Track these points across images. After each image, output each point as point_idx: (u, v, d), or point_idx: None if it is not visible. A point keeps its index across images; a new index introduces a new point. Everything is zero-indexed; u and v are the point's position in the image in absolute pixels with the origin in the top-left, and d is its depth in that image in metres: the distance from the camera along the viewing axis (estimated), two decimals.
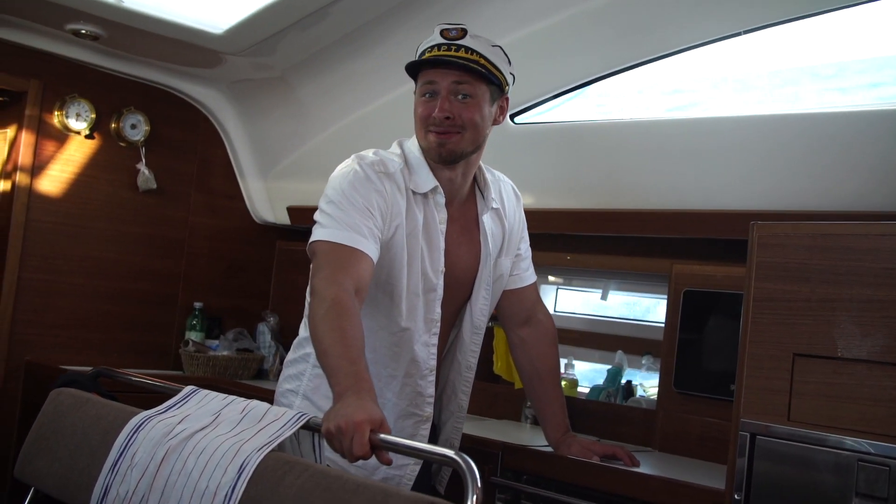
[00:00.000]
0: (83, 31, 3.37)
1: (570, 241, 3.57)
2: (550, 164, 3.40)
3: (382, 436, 1.57)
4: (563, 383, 3.60)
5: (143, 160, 4.03)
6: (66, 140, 3.85)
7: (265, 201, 4.50)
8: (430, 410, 2.26)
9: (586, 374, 3.83)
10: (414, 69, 2.17)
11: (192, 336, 4.13)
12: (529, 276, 2.53)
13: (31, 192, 3.75)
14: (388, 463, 1.60)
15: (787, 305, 2.08)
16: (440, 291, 2.19)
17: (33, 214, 3.76)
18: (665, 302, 3.18)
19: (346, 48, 3.49)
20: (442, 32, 2.13)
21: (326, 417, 1.63)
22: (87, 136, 3.89)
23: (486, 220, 2.30)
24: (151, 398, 1.96)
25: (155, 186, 4.08)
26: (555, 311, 4.10)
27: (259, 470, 1.64)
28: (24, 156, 3.73)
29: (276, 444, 1.71)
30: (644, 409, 3.29)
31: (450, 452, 1.53)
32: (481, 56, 2.13)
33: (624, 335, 3.76)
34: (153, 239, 4.15)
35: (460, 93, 2.11)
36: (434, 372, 2.23)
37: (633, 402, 3.43)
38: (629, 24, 2.97)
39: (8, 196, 3.76)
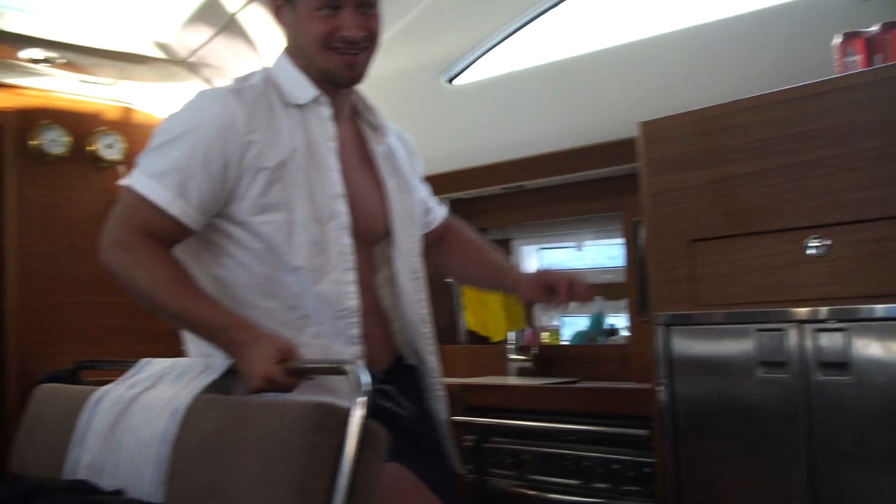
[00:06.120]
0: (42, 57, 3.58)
1: (525, 197, 3.65)
2: (486, 121, 3.51)
3: (291, 364, 1.66)
4: (546, 334, 3.71)
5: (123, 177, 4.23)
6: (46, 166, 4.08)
7: None
8: (357, 350, 1.89)
9: (575, 328, 3.89)
10: None
11: None
12: (441, 212, 2.29)
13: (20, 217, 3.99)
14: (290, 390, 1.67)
15: (678, 194, 2.15)
16: (344, 219, 1.87)
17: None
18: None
19: None
20: None
21: (246, 378, 1.70)
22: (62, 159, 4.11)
23: (379, 147, 2.04)
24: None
25: None
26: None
27: (188, 412, 1.76)
28: None
29: (201, 388, 1.83)
30: (619, 345, 3.35)
31: (342, 360, 1.66)
32: None
33: (605, 282, 3.81)
34: None
35: (365, 3, 1.86)
36: (356, 314, 1.87)
37: (612, 340, 3.49)
38: None
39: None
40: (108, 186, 4.23)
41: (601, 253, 3.95)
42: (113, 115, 4.26)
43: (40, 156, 4.04)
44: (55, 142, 4.02)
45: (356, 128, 2.04)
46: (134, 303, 4.14)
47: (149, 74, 3.89)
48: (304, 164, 1.83)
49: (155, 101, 4.28)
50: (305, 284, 1.83)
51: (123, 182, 1.81)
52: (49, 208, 4.07)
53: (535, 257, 4.20)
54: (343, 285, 1.86)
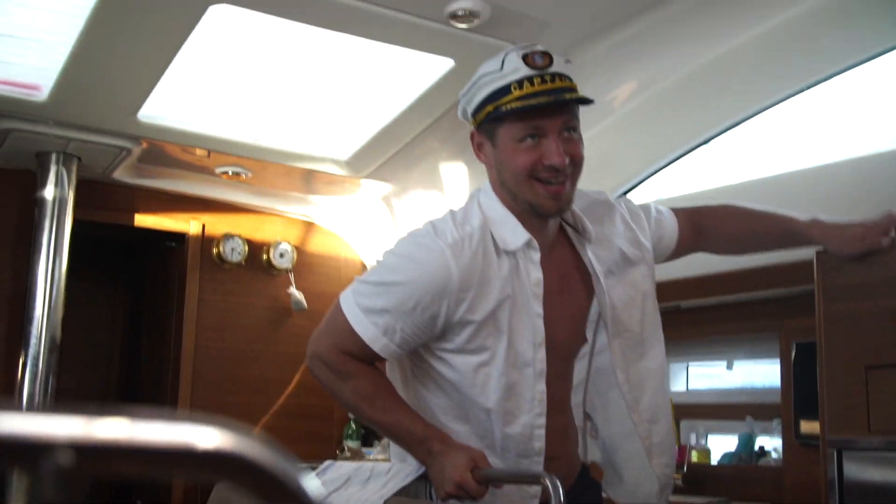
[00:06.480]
0: (230, 172, 3.90)
1: (677, 315, 3.72)
2: None
3: (483, 471, 1.77)
4: (695, 452, 3.73)
5: (293, 284, 4.49)
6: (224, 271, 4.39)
7: None
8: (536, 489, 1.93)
9: (722, 446, 3.88)
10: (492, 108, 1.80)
11: (349, 443, 4.46)
12: (671, 217, 2.16)
13: (197, 321, 4.28)
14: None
15: (854, 321, 2.21)
16: (541, 366, 1.86)
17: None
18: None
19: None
20: (526, 60, 1.76)
21: (438, 484, 1.82)
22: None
23: (593, 253, 1.95)
24: None
25: (306, 307, 4.49)
26: (687, 388, 4.20)
27: None
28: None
29: (394, 491, 1.97)
30: (771, 467, 3.34)
31: (538, 471, 1.78)
32: (570, 79, 1.81)
33: (755, 402, 3.81)
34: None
35: (567, 128, 1.79)
36: (541, 455, 1.88)
37: (763, 461, 3.48)
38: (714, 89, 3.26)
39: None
40: (278, 293, 4.50)
41: (752, 372, 3.96)
42: (287, 225, 4.57)
43: (220, 263, 4.35)
44: (234, 250, 4.34)
45: (562, 235, 1.98)
46: (293, 406, 4.40)
47: (327, 189, 4.17)
48: (509, 311, 1.83)
49: (327, 213, 4.57)
50: (495, 423, 1.86)
51: (339, 299, 1.90)
52: (223, 313, 4.36)
53: (683, 375, 4.23)
54: (533, 428, 1.87)
